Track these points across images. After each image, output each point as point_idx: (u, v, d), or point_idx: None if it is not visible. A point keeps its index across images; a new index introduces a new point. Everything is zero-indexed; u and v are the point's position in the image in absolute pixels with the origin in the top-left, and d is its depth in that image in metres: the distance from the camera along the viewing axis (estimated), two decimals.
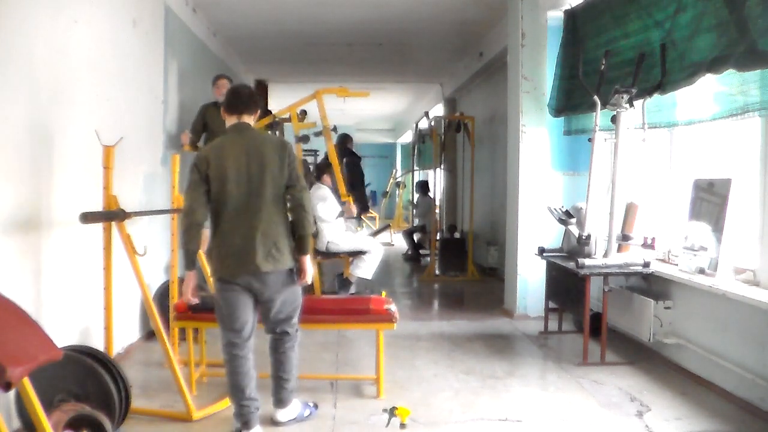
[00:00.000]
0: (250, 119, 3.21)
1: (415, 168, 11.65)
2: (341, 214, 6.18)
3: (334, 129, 6.96)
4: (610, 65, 4.43)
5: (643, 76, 4.17)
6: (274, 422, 3.30)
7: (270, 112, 9.31)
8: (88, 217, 3.00)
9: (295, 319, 3.31)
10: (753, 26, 3.12)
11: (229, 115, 3.21)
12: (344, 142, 9.35)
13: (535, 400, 3.72)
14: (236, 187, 3.06)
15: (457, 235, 9.54)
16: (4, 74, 3.00)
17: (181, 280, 3.35)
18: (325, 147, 6.79)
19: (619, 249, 4.55)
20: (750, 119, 3.51)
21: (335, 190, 6.36)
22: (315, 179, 6.72)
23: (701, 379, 3.92)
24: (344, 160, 8.83)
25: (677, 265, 4.28)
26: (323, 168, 6.73)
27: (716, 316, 3.83)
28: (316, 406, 3.49)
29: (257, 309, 3.22)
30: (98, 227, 3.44)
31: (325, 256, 6.34)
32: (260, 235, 3.05)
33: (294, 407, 3.35)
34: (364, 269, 6.28)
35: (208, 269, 4.27)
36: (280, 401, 3.31)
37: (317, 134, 7.16)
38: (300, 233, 3.17)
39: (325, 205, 6.10)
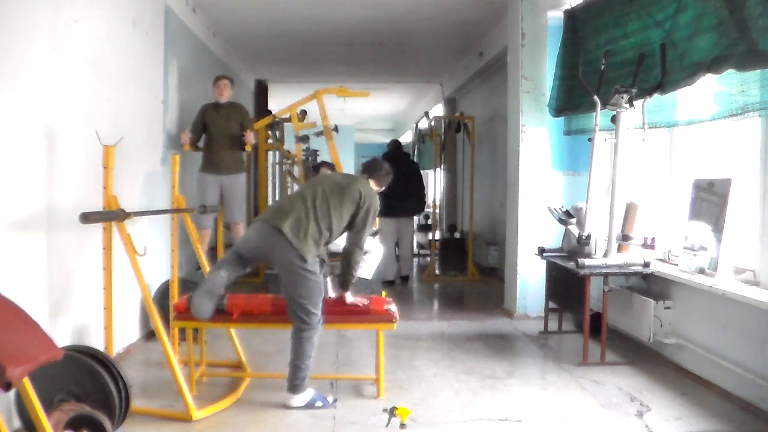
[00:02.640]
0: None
1: (416, 163, 11.64)
2: None
3: (335, 128, 6.95)
4: (610, 65, 4.43)
5: (643, 76, 4.17)
6: (285, 406, 3.52)
7: (270, 112, 9.34)
8: (88, 217, 3.00)
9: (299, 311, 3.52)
10: (753, 26, 3.12)
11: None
12: (400, 147, 8.29)
13: (535, 400, 3.72)
14: None
15: (457, 235, 9.54)
16: (4, 74, 3.00)
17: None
18: (327, 147, 6.78)
19: (619, 249, 4.55)
20: (750, 119, 3.51)
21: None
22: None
23: (701, 379, 3.92)
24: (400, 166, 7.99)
25: (677, 265, 4.28)
26: (319, 168, 6.71)
27: (716, 316, 3.83)
28: (334, 401, 3.57)
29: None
30: (98, 227, 3.44)
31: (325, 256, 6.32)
32: None
33: (305, 396, 3.52)
34: (364, 269, 6.26)
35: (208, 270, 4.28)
36: (289, 387, 3.53)
37: (318, 134, 7.15)
38: None
39: None
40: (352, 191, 3.63)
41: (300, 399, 3.53)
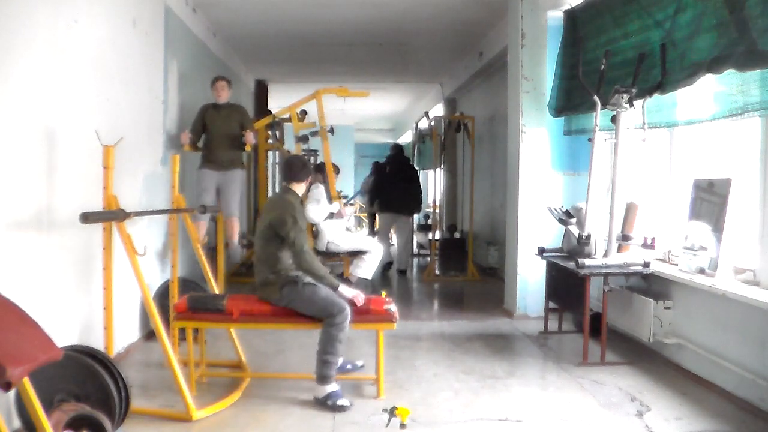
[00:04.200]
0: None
1: (415, 168, 11.66)
2: (330, 216, 6.22)
3: (331, 130, 6.98)
4: (610, 65, 4.43)
5: (643, 76, 4.17)
6: (314, 399, 3.62)
7: (270, 112, 9.34)
8: (88, 217, 3.00)
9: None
10: (753, 26, 3.12)
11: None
12: (402, 151, 8.78)
13: (535, 400, 3.72)
14: None
15: (457, 235, 9.54)
16: (4, 74, 3.00)
17: None
18: (336, 145, 6.81)
19: (619, 249, 4.55)
20: (750, 119, 3.51)
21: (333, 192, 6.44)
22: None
23: (701, 379, 3.92)
24: (400, 169, 8.44)
25: (677, 265, 4.28)
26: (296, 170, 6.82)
27: (716, 316, 3.83)
28: (350, 404, 3.56)
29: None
30: (98, 227, 3.44)
31: (326, 256, 6.34)
32: None
33: (328, 388, 3.58)
34: (364, 269, 6.28)
35: (208, 269, 4.29)
36: (318, 378, 3.62)
37: (313, 134, 7.19)
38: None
39: (316, 207, 6.12)
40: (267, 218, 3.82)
41: (324, 390, 3.58)
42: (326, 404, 3.54)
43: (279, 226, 3.73)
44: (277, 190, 9.98)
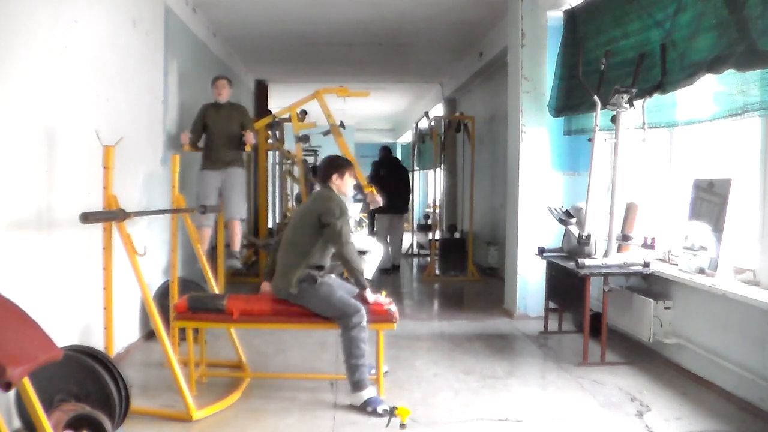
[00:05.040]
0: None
1: (416, 168, 11.66)
2: (365, 205, 6.28)
3: (341, 125, 6.93)
4: (610, 65, 4.43)
5: (643, 76, 4.17)
6: (351, 405, 3.55)
7: (270, 112, 9.34)
8: (88, 217, 3.00)
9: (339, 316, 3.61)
10: (753, 26, 3.12)
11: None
12: (391, 152, 9.34)
13: (535, 400, 3.72)
14: None
15: (457, 235, 9.54)
16: (4, 74, 3.00)
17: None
18: (336, 145, 6.74)
19: (619, 249, 4.55)
20: (750, 119, 3.51)
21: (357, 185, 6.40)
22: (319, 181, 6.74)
23: (701, 379, 3.92)
24: (392, 169, 8.96)
25: (677, 265, 4.28)
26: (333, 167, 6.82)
27: (716, 316, 3.83)
28: (391, 408, 3.41)
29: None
30: (98, 227, 3.43)
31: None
32: None
33: (365, 394, 3.52)
34: (365, 269, 6.27)
35: (208, 269, 4.29)
36: (351, 386, 3.58)
37: (325, 133, 7.08)
38: None
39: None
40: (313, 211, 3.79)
41: (362, 396, 3.51)
42: (366, 411, 3.45)
43: (326, 215, 3.67)
44: (277, 191, 10.02)
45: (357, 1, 6.57)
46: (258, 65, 9.99)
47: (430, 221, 11.01)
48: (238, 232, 5.74)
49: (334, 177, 3.89)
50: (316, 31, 7.75)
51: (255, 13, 7.05)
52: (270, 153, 8.98)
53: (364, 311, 3.58)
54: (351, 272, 3.70)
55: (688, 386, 3.90)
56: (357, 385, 3.54)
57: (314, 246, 3.72)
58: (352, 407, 3.52)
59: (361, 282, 3.69)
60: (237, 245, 5.74)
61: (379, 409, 3.43)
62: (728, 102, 3.62)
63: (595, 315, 4.55)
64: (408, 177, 9.11)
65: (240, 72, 9.48)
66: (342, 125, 6.91)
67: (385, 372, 4.00)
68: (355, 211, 6.49)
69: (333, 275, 3.99)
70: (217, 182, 5.69)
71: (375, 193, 6.29)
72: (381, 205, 6.36)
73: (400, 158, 11.48)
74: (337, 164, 3.95)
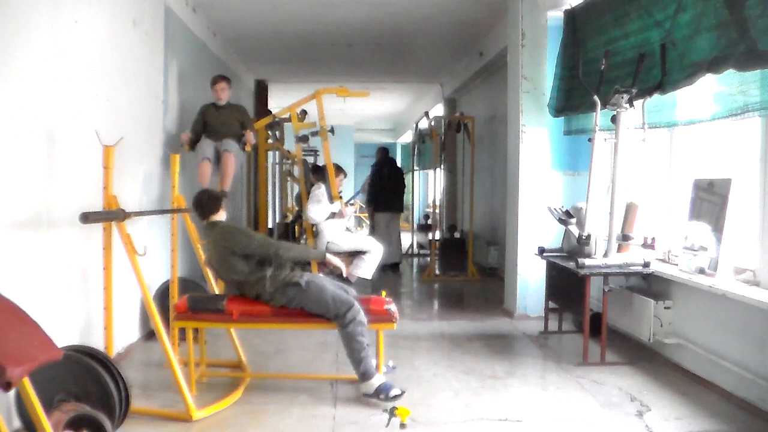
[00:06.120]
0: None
1: (415, 168, 11.67)
2: (332, 216, 6.22)
3: (331, 130, 6.98)
4: (610, 65, 4.43)
5: (643, 76, 4.17)
6: (363, 395, 3.64)
7: (270, 112, 9.34)
8: (88, 217, 3.00)
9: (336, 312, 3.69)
10: (753, 26, 3.12)
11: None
12: (388, 153, 9.59)
13: (535, 400, 3.72)
14: None
15: (457, 235, 9.54)
16: (4, 74, 2.99)
17: None
18: (336, 145, 6.80)
19: (619, 249, 4.55)
20: (750, 119, 3.51)
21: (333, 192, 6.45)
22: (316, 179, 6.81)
23: (701, 379, 3.92)
24: (391, 170, 9.23)
25: (677, 265, 4.28)
26: (317, 170, 7.15)
27: (716, 316, 3.83)
28: (402, 392, 3.60)
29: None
30: (98, 227, 3.44)
31: None
32: None
33: (375, 382, 3.59)
34: (364, 269, 6.28)
35: (208, 271, 4.29)
36: (359, 377, 3.66)
37: (313, 134, 7.20)
38: None
39: (317, 207, 6.13)
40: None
41: (372, 384, 3.59)
42: (379, 398, 3.55)
43: (243, 248, 3.73)
44: (277, 191, 10.01)
45: (357, 1, 6.57)
46: (258, 65, 9.99)
47: (430, 221, 11.04)
48: (231, 165, 5.66)
49: (212, 216, 3.91)
50: (316, 31, 7.75)
51: (255, 13, 7.05)
52: (270, 153, 8.97)
53: (357, 305, 3.65)
54: (303, 260, 3.87)
55: (688, 386, 3.90)
56: (365, 376, 3.61)
57: (257, 265, 3.75)
58: (366, 396, 3.61)
59: (316, 256, 4.00)
60: (228, 183, 5.65)
61: (391, 394, 3.53)
62: (728, 102, 3.62)
63: (595, 315, 4.55)
64: (403, 177, 9.44)
65: (240, 72, 9.48)
66: (332, 131, 6.95)
67: (393, 368, 4.10)
68: (349, 211, 6.53)
69: (320, 274, 4.12)
70: (213, 148, 5.67)
71: (344, 205, 6.43)
72: (344, 218, 6.38)
73: (399, 158, 11.63)
74: (203, 203, 3.94)
